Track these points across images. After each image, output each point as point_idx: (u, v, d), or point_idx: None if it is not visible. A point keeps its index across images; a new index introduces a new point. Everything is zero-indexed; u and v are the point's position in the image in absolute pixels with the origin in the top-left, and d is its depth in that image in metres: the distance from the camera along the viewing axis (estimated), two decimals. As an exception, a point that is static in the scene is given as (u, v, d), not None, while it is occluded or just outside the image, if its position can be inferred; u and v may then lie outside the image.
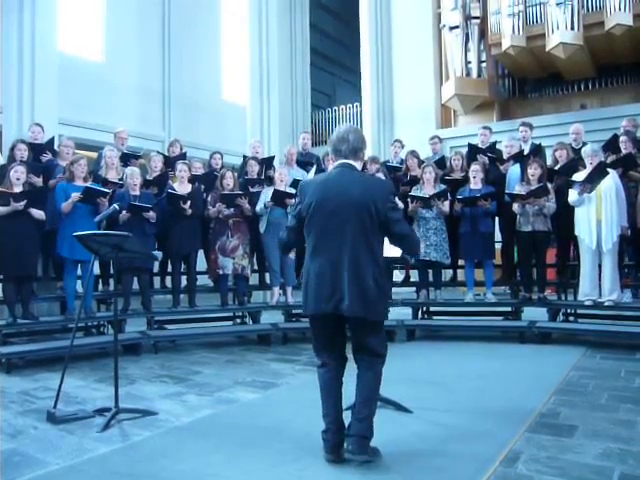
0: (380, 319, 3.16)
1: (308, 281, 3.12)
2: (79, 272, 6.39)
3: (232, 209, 6.95)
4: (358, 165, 3.23)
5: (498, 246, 7.54)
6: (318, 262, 3.08)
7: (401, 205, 7.00)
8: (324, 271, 3.05)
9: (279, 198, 6.96)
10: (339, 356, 3.19)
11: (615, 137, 7.06)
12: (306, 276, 3.15)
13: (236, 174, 7.30)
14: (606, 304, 6.25)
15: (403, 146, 8.33)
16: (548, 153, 7.80)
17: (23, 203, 5.74)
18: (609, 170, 6.21)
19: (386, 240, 3.26)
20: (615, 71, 13.74)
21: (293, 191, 7.03)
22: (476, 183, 7.05)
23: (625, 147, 6.72)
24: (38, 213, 5.94)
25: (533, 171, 6.69)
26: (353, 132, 3.22)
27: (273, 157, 8.50)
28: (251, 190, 7.31)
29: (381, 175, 6.82)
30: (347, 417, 3.17)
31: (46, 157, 6.92)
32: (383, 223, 3.06)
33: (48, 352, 5.85)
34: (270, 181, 7.56)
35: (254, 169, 7.62)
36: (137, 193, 6.59)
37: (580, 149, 6.91)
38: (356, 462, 2.99)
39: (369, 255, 3.03)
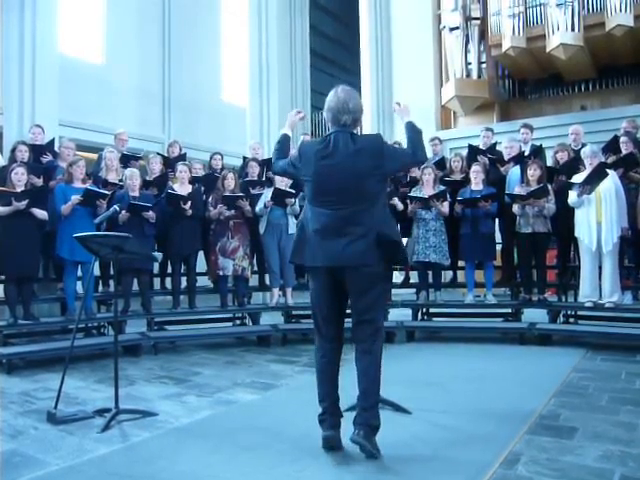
0: (381, 265, 3.17)
1: (303, 233, 3.21)
2: (79, 273, 6.40)
3: (233, 210, 6.95)
4: (355, 131, 3.28)
5: (498, 247, 7.54)
6: (318, 217, 3.15)
7: (400, 206, 7.02)
8: (325, 226, 3.11)
9: (279, 197, 6.95)
10: (336, 336, 3.24)
11: (615, 138, 7.06)
12: (300, 229, 3.26)
13: (237, 175, 7.30)
14: (606, 306, 6.25)
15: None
16: (549, 154, 7.81)
17: (25, 203, 5.75)
18: (609, 171, 6.21)
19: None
20: (615, 72, 13.74)
21: (292, 191, 7.05)
22: (477, 184, 7.05)
23: (626, 148, 6.72)
24: (41, 213, 5.95)
25: (533, 172, 6.70)
26: (352, 99, 3.24)
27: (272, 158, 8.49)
28: (252, 192, 7.31)
29: None
30: (346, 418, 3.17)
31: (46, 158, 6.93)
32: (387, 172, 3.23)
33: (48, 353, 5.86)
34: (270, 182, 7.56)
35: (255, 170, 7.62)
36: (136, 194, 6.59)
37: (579, 150, 6.92)
38: (363, 449, 3.02)
39: (370, 210, 3.10)
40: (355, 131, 3.27)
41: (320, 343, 3.27)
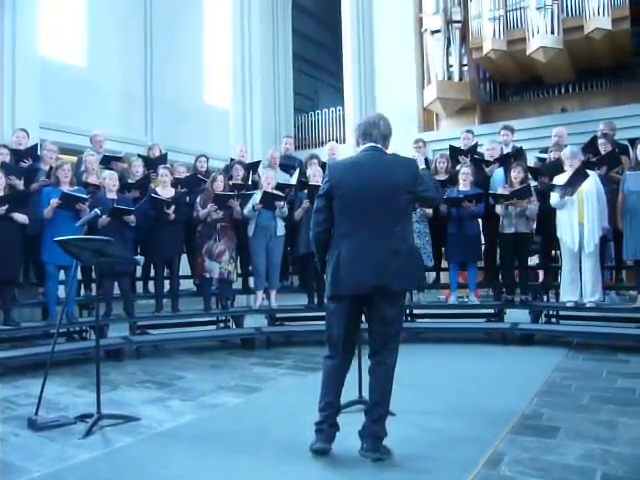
0: (413, 287, 3.31)
1: (339, 261, 3.11)
2: (61, 277, 6.33)
3: (221, 212, 6.90)
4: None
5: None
6: (352, 242, 3.10)
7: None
8: (357, 249, 3.08)
9: (269, 200, 6.94)
10: (350, 348, 3.23)
11: (594, 139, 7.14)
12: (336, 257, 3.13)
13: (227, 177, 7.27)
14: (587, 305, 6.31)
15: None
16: (529, 156, 7.89)
17: (4, 208, 5.68)
18: (590, 173, 6.27)
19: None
20: (594, 75, 13.89)
21: (281, 194, 7.04)
22: (465, 185, 7.08)
23: (604, 149, 6.80)
24: (21, 217, 5.88)
25: (516, 174, 6.75)
26: (383, 119, 3.29)
27: (259, 162, 8.48)
28: (237, 193, 7.27)
29: None
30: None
31: (26, 163, 6.82)
32: (413, 196, 3.19)
33: (29, 358, 5.76)
34: (255, 185, 7.54)
35: (239, 173, 7.59)
36: (114, 197, 6.54)
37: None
38: (370, 459, 3.03)
39: (402, 231, 3.12)
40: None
41: (332, 352, 3.21)
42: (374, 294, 3.08)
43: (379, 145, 3.23)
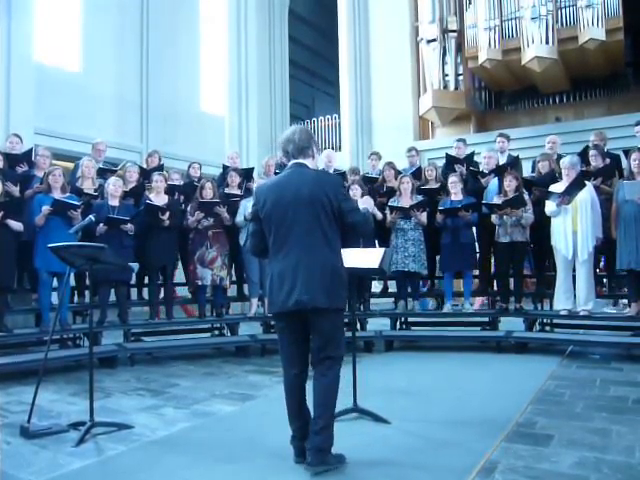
0: (341, 306, 3.20)
1: (271, 280, 3.18)
2: (55, 284, 6.30)
3: (211, 219, 6.90)
4: (309, 162, 3.26)
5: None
6: (278, 260, 3.15)
7: (379, 216, 7.05)
8: (284, 268, 3.11)
9: None
10: (301, 363, 3.24)
11: (586, 149, 7.16)
12: (270, 276, 3.21)
13: (216, 185, 7.26)
14: (581, 314, 6.33)
15: (380, 158, 8.35)
16: (527, 165, 7.91)
17: (0, 214, 5.65)
18: (585, 182, 6.30)
19: (364, 251, 3.29)
20: (588, 84, 13.99)
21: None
22: (456, 194, 7.10)
23: (595, 161, 6.81)
24: (16, 224, 5.85)
25: (508, 183, 6.77)
26: (299, 132, 3.28)
27: (252, 169, 8.48)
28: (230, 199, 7.26)
29: (358, 188, 6.85)
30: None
31: (22, 169, 6.81)
32: (337, 214, 3.14)
33: (22, 365, 5.73)
34: (249, 192, 7.53)
35: (235, 180, 7.57)
36: (117, 204, 6.54)
37: (557, 159, 7.03)
38: (312, 472, 2.99)
39: (326, 248, 3.11)
40: (308, 162, 3.25)
41: (286, 369, 3.27)
42: (307, 310, 3.08)
43: (300, 160, 3.23)
